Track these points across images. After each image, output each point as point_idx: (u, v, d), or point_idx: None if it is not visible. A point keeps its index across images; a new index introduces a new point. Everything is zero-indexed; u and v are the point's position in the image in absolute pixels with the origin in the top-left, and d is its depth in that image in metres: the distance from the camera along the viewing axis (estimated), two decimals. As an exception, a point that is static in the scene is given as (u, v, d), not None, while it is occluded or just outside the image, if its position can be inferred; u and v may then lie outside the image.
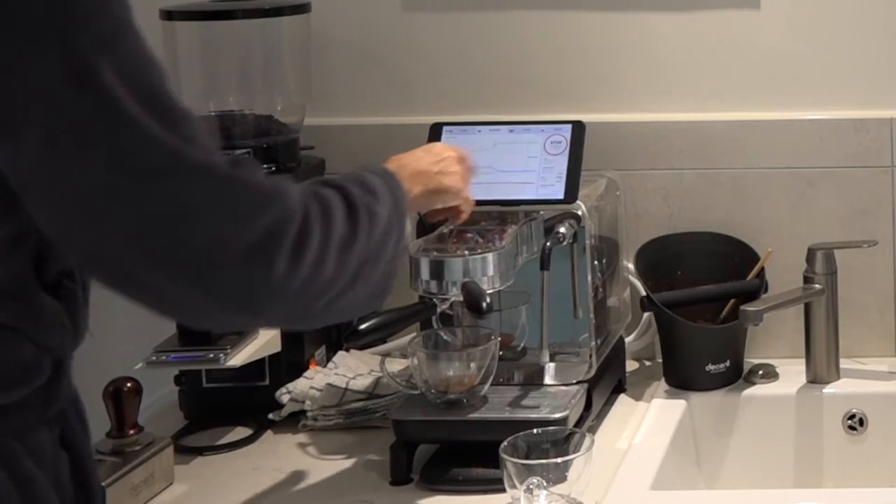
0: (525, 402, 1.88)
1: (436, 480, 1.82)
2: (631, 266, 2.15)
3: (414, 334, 1.94)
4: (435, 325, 1.87)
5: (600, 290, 2.01)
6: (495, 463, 1.67)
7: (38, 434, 1.33)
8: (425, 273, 1.78)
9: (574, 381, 1.94)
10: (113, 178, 1.22)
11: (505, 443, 1.68)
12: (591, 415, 1.94)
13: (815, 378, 2.12)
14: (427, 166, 1.70)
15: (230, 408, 2.05)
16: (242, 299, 1.27)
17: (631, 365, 2.19)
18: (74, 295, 1.36)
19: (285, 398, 2.01)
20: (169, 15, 2.10)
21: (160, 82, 1.27)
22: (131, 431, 1.81)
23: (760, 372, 2.13)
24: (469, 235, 1.85)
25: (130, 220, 1.23)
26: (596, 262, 1.98)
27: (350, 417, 2.01)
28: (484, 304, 1.74)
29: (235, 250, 1.25)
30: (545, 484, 1.62)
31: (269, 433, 2.01)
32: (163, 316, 1.32)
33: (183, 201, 1.24)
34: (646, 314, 2.19)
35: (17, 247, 1.29)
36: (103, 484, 1.68)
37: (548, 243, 1.87)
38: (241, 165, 1.29)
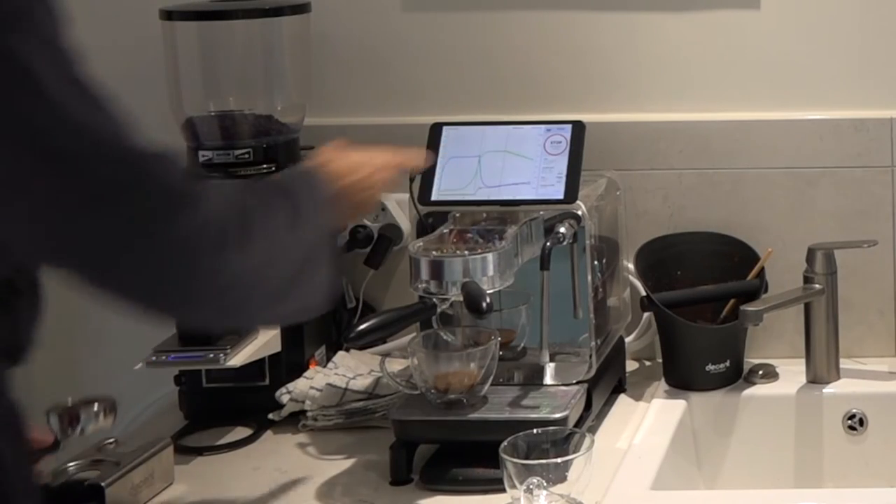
0: (525, 402, 1.88)
1: (436, 480, 1.82)
2: (631, 266, 2.15)
3: (414, 334, 1.94)
4: (435, 325, 1.87)
5: (600, 290, 2.01)
6: (495, 463, 1.67)
7: None
8: (425, 273, 1.78)
9: (574, 381, 1.94)
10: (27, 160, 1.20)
11: (505, 443, 1.68)
12: (591, 415, 1.94)
13: (815, 378, 2.12)
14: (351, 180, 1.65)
15: (230, 408, 2.05)
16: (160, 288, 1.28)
17: (631, 365, 2.19)
18: (9, 308, 1.33)
19: (285, 398, 2.01)
20: (169, 15, 2.10)
21: (80, 67, 1.25)
22: None
23: (760, 372, 2.13)
24: (469, 235, 1.85)
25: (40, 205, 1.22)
26: (596, 262, 1.98)
27: (350, 417, 2.01)
28: (484, 304, 1.74)
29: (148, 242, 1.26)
30: (545, 484, 1.63)
31: (269, 433, 2.01)
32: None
33: (98, 188, 1.24)
34: (646, 314, 2.19)
35: None
36: (103, 484, 1.69)
37: (548, 243, 1.87)
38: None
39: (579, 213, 1.92)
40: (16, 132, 1.20)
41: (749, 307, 2.02)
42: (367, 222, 2.21)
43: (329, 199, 1.53)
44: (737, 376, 2.12)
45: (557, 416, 1.83)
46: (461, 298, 1.78)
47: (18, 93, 1.19)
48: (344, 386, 2.01)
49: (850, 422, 2.10)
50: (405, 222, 2.19)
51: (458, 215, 1.91)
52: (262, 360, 2.01)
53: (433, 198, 1.94)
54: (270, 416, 2.03)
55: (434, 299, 1.79)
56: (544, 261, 1.85)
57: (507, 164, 1.95)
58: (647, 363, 2.23)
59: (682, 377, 2.10)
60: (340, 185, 1.58)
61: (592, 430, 1.95)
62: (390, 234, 2.21)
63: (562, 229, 1.88)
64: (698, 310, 2.12)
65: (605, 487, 1.77)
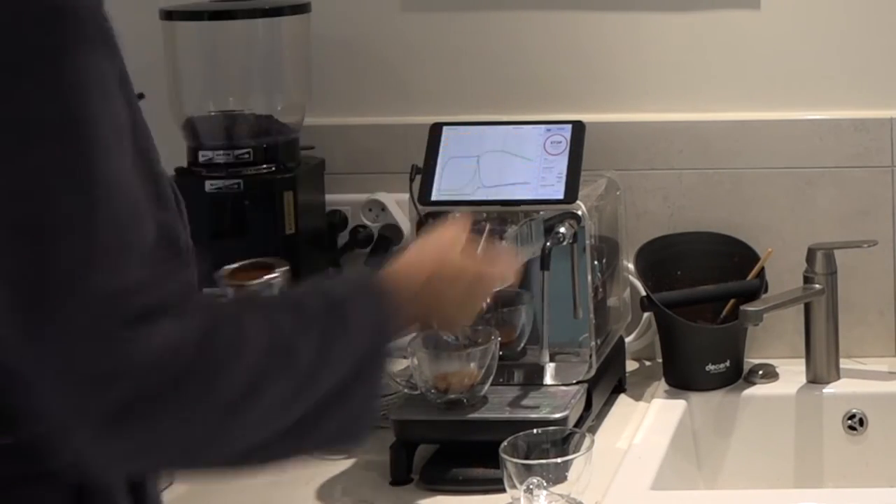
0: (525, 402, 1.88)
1: (436, 480, 1.82)
2: (631, 266, 2.15)
3: (414, 334, 1.93)
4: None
5: (600, 290, 2.01)
6: (495, 463, 1.67)
7: None
8: (425, 273, 1.78)
9: (574, 381, 1.93)
10: None
11: (505, 443, 1.68)
12: (591, 415, 1.94)
13: (815, 378, 2.12)
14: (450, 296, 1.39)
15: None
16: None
17: (631, 365, 2.19)
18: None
19: (285, 398, 2.01)
20: (169, 15, 2.10)
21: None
22: None
23: (760, 372, 2.13)
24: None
25: None
26: (596, 262, 1.98)
27: (350, 417, 2.00)
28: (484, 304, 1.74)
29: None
30: (545, 484, 1.63)
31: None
32: None
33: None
34: (646, 314, 2.19)
35: None
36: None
37: (548, 243, 1.87)
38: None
39: (579, 213, 1.92)
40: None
41: (749, 307, 2.02)
42: (367, 222, 2.22)
43: (393, 315, 1.28)
44: (737, 376, 2.12)
45: (557, 416, 1.83)
46: (461, 298, 1.77)
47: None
48: (344, 386, 2.00)
49: (850, 422, 2.10)
50: (405, 222, 2.19)
51: (457, 215, 1.91)
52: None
53: (433, 198, 1.94)
54: (270, 416, 2.02)
55: (434, 299, 1.78)
56: (544, 261, 1.86)
57: (506, 164, 1.95)
58: (647, 363, 2.23)
59: (682, 377, 2.10)
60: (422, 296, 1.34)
61: (592, 430, 1.95)
62: (390, 234, 2.21)
63: (562, 229, 1.88)
64: (698, 310, 2.12)
65: (605, 487, 1.77)
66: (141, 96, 1.23)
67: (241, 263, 1.79)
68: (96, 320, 1.07)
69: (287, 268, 1.83)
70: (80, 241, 1.07)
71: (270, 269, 1.81)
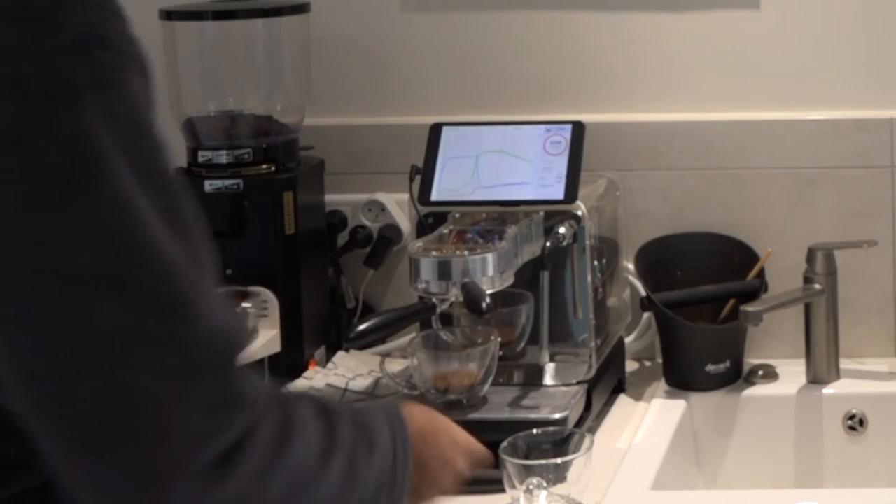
0: (525, 402, 1.88)
1: (436, 480, 1.82)
2: (631, 266, 2.15)
3: (414, 334, 1.94)
4: (435, 325, 1.87)
5: (600, 290, 2.01)
6: (495, 463, 1.67)
7: None
8: (425, 273, 1.78)
9: (574, 382, 1.94)
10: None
11: (505, 443, 1.68)
12: (591, 415, 1.94)
13: (815, 378, 2.12)
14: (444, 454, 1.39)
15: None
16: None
17: (631, 365, 2.19)
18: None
19: (285, 398, 2.01)
20: (169, 15, 2.10)
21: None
22: None
23: (760, 372, 2.13)
24: (469, 235, 1.85)
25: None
26: (596, 262, 1.98)
27: (350, 417, 2.00)
28: (484, 304, 1.74)
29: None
30: (545, 484, 1.63)
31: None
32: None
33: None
34: (646, 314, 2.19)
35: None
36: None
37: (548, 243, 1.87)
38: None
39: (579, 213, 1.92)
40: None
41: (749, 307, 2.02)
42: (366, 222, 2.22)
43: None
44: (737, 376, 2.12)
45: (557, 416, 1.83)
46: (461, 298, 1.78)
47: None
48: (344, 386, 2.01)
49: (850, 422, 2.10)
50: (405, 222, 2.19)
51: (457, 215, 1.91)
52: (261, 360, 2.01)
53: (433, 198, 1.94)
54: (270, 416, 2.02)
55: (434, 299, 1.79)
56: (544, 261, 1.86)
57: (506, 164, 1.96)
58: (647, 363, 2.23)
59: (682, 377, 2.10)
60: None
61: (592, 430, 1.95)
62: (390, 234, 2.21)
63: (562, 229, 1.88)
64: (698, 310, 2.12)
65: (605, 487, 1.77)
66: None
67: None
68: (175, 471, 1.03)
69: (260, 295, 1.83)
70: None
71: (245, 297, 1.82)
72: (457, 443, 1.41)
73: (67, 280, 1.00)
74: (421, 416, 1.35)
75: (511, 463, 1.65)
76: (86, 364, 1.00)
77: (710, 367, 2.08)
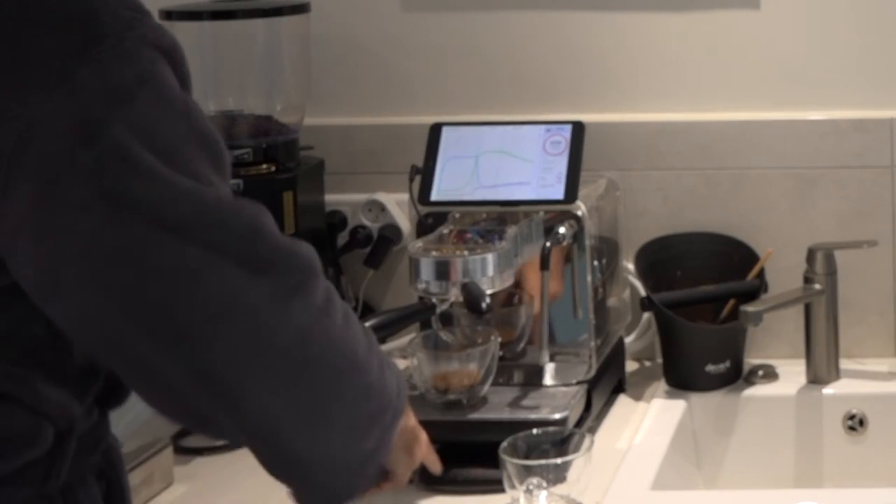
0: (525, 402, 1.88)
1: (435, 480, 1.82)
2: (631, 266, 2.15)
3: (414, 334, 1.94)
4: (435, 325, 1.87)
5: (600, 290, 2.01)
6: (495, 463, 1.67)
7: None
8: (425, 273, 1.78)
9: (574, 382, 1.94)
10: (117, 237, 1.18)
11: (505, 443, 1.68)
12: (591, 415, 1.94)
13: (815, 378, 2.12)
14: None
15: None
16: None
17: (631, 365, 2.19)
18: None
19: (285, 398, 2.00)
20: (169, 15, 2.10)
21: (180, 137, 1.23)
22: None
23: (760, 372, 2.13)
24: (469, 235, 1.85)
25: (128, 282, 1.19)
26: (596, 262, 1.98)
27: (350, 417, 2.00)
28: (484, 304, 1.75)
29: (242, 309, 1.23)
30: (545, 484, 1.63)
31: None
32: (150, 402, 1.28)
33: (189, 261, 1.21)
34: (646, 314, 2.19)
35: (17, 297, 1.22)
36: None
37: (548, 243, 1.87)
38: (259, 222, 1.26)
39: (579, 213, 1.92)
40: (121, 204, 1.18)
41: (749, 307, 2.02)
42: (366, 222, 2.22)
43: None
44: (737, 376, 2.12)
45: (557, 416, 1.83)
46: (461, 298, 1.78)
47: (111, 169, 1.18)
48: (344, 386, 2.00)
49: (850, 422, 2.10)
50: (405, 222, 2.19)
51: (457, 215, 1.91)
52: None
53: (433, 198, 1.94)
54: (270, 416, 2.02)
55: (434, 299, 1.79)
56: (544, 261, 1.86)
57: (506, 164, 1.96)
58: (647, 363, 2.23)
59: (682, 377, 2.10)
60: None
61: (592, 430, 1.95)
62: (390, 234, 2.21)
63: (562, 229, 1.88)
64: (698, 310, 2.12)
65: (605, 487, 1.77)
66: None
67: None
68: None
69: None
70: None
71: None
72: (423, 437, 1.55)
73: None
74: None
75: (511, 463, 1.65)
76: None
77: (710, 367, 2.08)
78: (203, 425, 1.31)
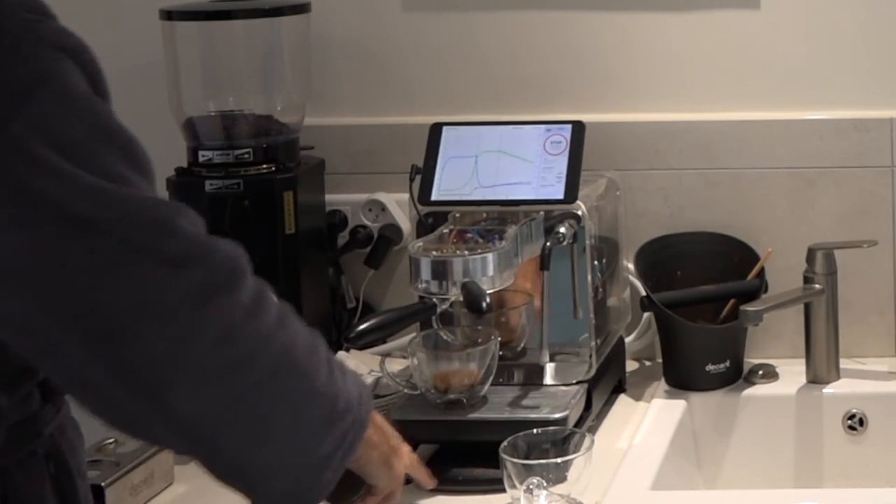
0: (525, 402, 1.88)
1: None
2: (631, 266, 2.15)
3: (414, 334, 1.94)
4: (435, 325, 1.87)
5: (600, 290, 2.01)
6: (495, 463, 1.67)
7: None
8: (425, 273, 1.78)
9: (574, 381, 1.94)
10: (25, 235, 1.18)
11: (505, 443, 1.68)
12: (591, 415, 1.94)
13: (815, 378, 2.12)
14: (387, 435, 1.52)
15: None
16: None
17: (631, 365, 2.19)
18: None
19: (285, 398, 2.01)
20: (169, 15, 2.10)
21: (85, 135, 1.22)
22: None
23: (760, 372, 2.13)
24: (469, 235, 1.85)
25: (42, 280, 1.18)
26: (596, 262, 1.98)
27: (350, 417, 2.00)
28: (484, 304, 1.74)
29: (157, 310, 1.21)
30: (545, 484, 1.63)
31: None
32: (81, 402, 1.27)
33: (103, 258, 1.20)
34: (646, 314, 2.19)
35: None
36: (103, 484, 1.69)
37: (548, 243, 1.87)
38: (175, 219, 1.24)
39: (579, 213, 1.92)
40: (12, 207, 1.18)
41: (749, 307, 2.02)
42: (366, 222, 2.22)
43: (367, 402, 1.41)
44: (737, 376, 2.12)
45: (557, 416, 1.83)
46: (461, 298, 1.78)
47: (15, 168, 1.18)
48: (344, 386, 2.00)
49: (850, 422, 2.10)
50: (405, 222, 2.19)
51: (457, 215, 1.91)
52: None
53: (433, 198, 1.94)
54: (270, 416, 2.02)
55: (434, 299, 1.79)
56: (544, 261, 1.86)
57: (506, 164, 1.96)
58: (647, 363, 2.23)
59: (682, 377, 2.10)
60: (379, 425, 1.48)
61: (592, 430, 1.95)
62: (390, 234, 2.21)
63: (562, 229, 1.88)
64: (698, 310, 2.12)
65: (605, 487, 1.77)
66: None
67: None
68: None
69: None
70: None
71: None
72: (404, 450, 1.54)
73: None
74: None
75: (511, 463, 1.65)
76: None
77: (710, 367, 2.08)
78: (143, 433, 1.28)
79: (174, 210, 1.24)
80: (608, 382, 2.05)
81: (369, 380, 2.02)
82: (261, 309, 1.27)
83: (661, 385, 2.12)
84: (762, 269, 2.13)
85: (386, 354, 2.00)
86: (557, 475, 1.65)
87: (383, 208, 2.21)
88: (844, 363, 2.13)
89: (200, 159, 2.08)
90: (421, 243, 1.82)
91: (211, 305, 1.23)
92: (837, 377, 2.12)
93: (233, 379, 1.25)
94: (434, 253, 1.79)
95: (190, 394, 1.23)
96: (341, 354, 2.12)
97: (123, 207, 1.21)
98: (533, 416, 1.83)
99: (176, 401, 1.23)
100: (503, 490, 1.68)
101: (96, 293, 1.19)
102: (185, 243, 1.23)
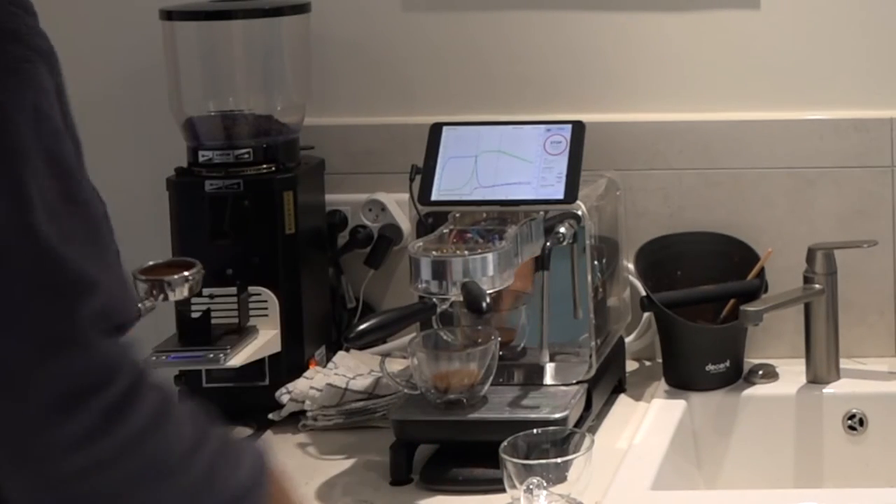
0: (525, 402, 1.88)
1: (436, 480, 1.82)
2: (631, 266, 2.15)
3: (414, 334, 1.94)
4: (435, 325, 1.87)
5: (600, 290, 2.01)
6: (495, 463, 1.68)
7: None
8: (425, 273, 1.78)
9: (574, 381, 1.94)
10: None
11: (505, 443, 1.68)
12: (591, 415, 1.94)
13: (815, 378, 2.12)
14: None
15: (230, 408, 2.04)
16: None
17: (631, 365, 2.19)
18: None
19: (285, 398, 2.01)
20: (169, 15, 2.10)
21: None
22: None
23: (760, 372, 2.13)
24: (469, 235, 1.85)
25: None
26: (596, 262, 1.98)
27: (350, 417, 2.01)
28: (484, 304, 1.74)
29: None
30: (545, 484, 1.63)
31: (269, 433, 2.01)
32: None
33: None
34: (646, 314, 2.19)
35: None
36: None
37: (548, 243, 1.87)
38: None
39: (579, 213, 1.92)
40: None
41: (749, 307, 2.02)
42: (366, 222, 2.22)
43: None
44: (737, 376, 2.12)
45: (557, 416, 1.83)
46: (461, 298, 1.78)
47: None
48: (344, 386, 2.01)
49: (850, 422, 2.10)
50: (405, 222, 2.19)
51: (458, 215, 1.91)
52: (262, 360, 2.01)
53: (433, 198, 1.94)
54: (270, 416, 2.02)
55: (434, 299, 1.79)
56: (544, 261, 1.86)
57: (506, 164, 1.96)
58: (647, 363, 2.23)
59: (682, 377, 2.10)
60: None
61: (592, 430, 1.95)
62: (390, 234, 2.21)
63: (562, 229, 1.88)
64: (698, 310, 2.12)
65: (605, 487, 1.77)
66: None
67: (157, 262, 1.81)
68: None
69: (200, 267, 1.82)
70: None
71: (187, 268, 1.81)
72: None
73: None
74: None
75: (511, 463, 1.65)
76: None
77: (710, 367, 2.08)
78: None
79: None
80: (608, 382, 2.05)
81: (369, 380, 2.02)
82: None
83: (661, 385, 2.12)
84: (762, 269, 2.13)
85: (386, 354, 2.00)
86: (557, 475, 1.65)
87: (383, 208, 2.21)
88: (844, 363, 2.13)
89: (200, 159, 2.08)
90: (421, 243, 1.82)
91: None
92: (837, 377, 2.12)
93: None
94: (434, 253, 1.79)
95: None
96: (341, 354, 2.12)
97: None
98: (533, 416, 1.83)
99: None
100: (503, 490, 1.68)
101: None
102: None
